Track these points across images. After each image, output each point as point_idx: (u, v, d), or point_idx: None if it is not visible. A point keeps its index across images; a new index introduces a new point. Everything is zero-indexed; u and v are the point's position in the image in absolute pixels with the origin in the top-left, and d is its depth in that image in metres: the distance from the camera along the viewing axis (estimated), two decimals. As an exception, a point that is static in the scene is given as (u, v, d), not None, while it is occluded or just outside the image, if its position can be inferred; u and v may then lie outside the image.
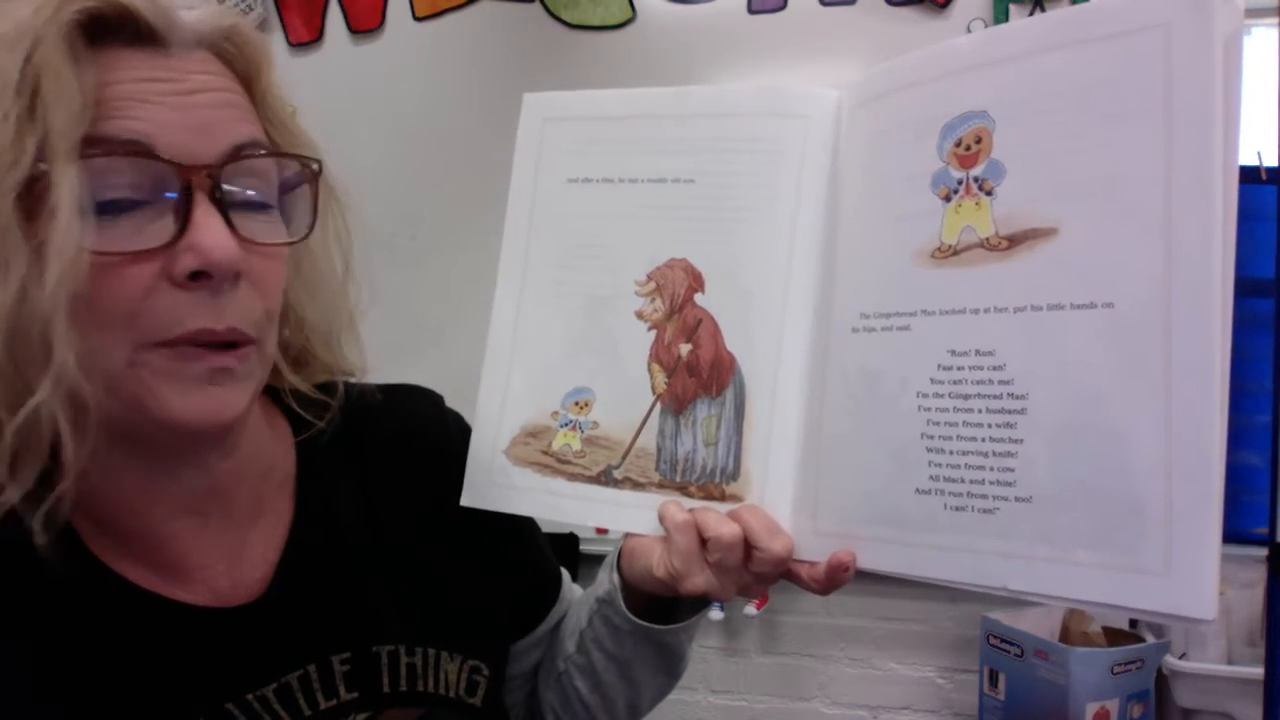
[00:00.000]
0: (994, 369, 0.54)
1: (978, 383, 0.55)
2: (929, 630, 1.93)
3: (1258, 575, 1.77)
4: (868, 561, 0.58)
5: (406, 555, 0.65)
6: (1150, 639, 1.81)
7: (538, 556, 0.77)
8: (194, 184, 0.49)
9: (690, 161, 0.66)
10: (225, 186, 0.50)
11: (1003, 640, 1.75)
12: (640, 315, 0.66)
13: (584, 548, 1.85)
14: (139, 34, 0.49)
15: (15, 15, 0.47)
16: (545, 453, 0.66)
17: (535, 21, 2.12)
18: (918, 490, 0.56)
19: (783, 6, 2.03)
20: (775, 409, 0.62)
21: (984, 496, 0.54)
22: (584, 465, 0.65)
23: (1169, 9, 0.50)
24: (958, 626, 1.92)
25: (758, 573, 0.61)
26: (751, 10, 2.04)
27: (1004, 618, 1.77)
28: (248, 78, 0.54)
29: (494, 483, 0.67)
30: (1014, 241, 0.55)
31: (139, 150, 0.47)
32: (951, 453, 0.55)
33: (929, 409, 0.56)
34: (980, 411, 0.54)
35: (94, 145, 0.47)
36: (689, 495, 0.64)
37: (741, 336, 0.63)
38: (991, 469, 0.54)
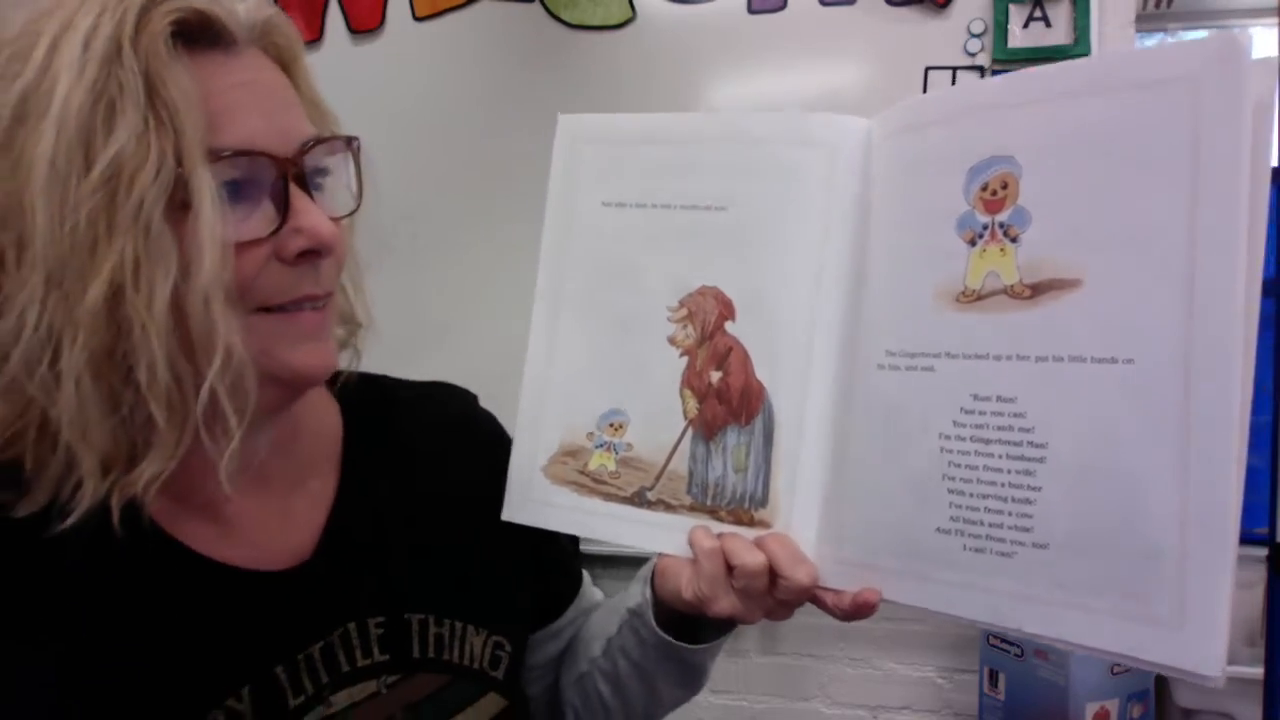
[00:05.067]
0: (1015, 415, 0.55)
1: (999, 428, 0.55)
2: (929, 630, 1.94)
3: (1258, 575, 1.77)
4: (888, 593, 0.61)
5: (438, 533, 0.69)
6: (1150, 639, 1.81)
7: (558, 553, 0.80)
8: (287, 175, 0.55)
9: (722, 188, 0.67)
10: (306, 173, 0.56)
11: (1003, 640, 1.75)
12: (672, 341, 0.67)
13: (584, 548, 1.85)
14: (217, 37, 0.54)
15: (90, 27, 0.49)
16: (582, 472, 0.69)
17: (535, 21, 2.12)
18: (938, 529, 0.58)
19: (783, 6, 2.03)
20: (803, 439, 0.63)
21: (1002, 540, 0.55)
22: (619, 486, 0.68)
23: (1200, 62, 0.50)
24: (958, 627, 1.92)
25: (782, 599, 0.63)
26: (751, 10, 2.04)
27: (1004, 618, 1.77)
28: (286, 65, 0.60)
29: (532, 499, 0.70)
30: (1037, 290, 0.55)
31: (248, 151, 0.53)
32: (971, 495, 0.56)
33: (951, 450, 0.57)
34: (1001, 457, 0.55)
35: (214, 148, 0.52)
36: (719, 519, 0.66)
37: (770, 366, 0.64)
38: (1010, 514, 0.55)
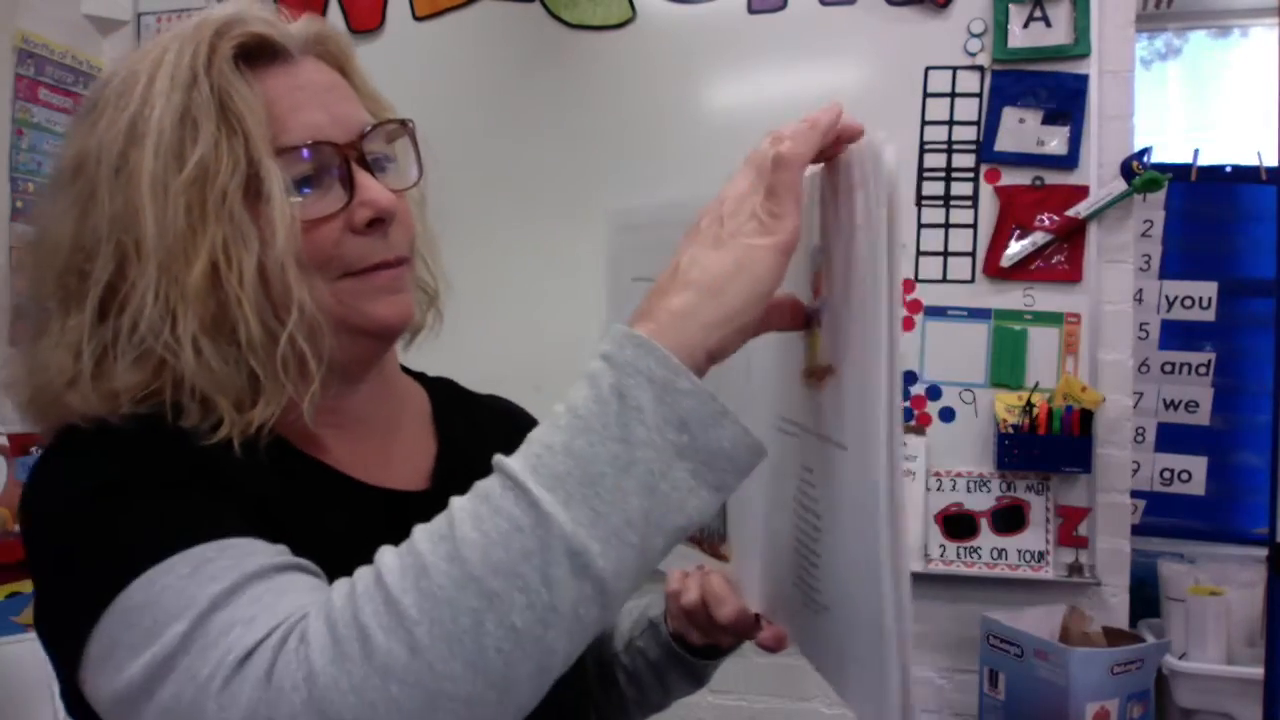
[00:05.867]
0: (810, 486, 0.60)
1: (809, 498, 0.60)
2: (929, 630, 1.93)
3: (1258, 575, 1.77)
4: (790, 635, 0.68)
5: None
6: (1150, 639, 1.81)
7: None
8: (349, 159, 0.65)
9: None
10: (367, 156, 0.66)
11: (1002, 640, 1.75)
12: None
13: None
14: (275, 54, 0.65)
15: (173, 61, 0.62)
16: None
17: (535, 21, 2.12)
18: (793, 583, 0.64)
19: (783, 6, 2.03)
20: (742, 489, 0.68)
21: (814, 599, 0.61)
22: None
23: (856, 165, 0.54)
24: (958, 626, 1.92)
25: (726, 630, 0.75)
26: (751, 10, 2.04)
27: (1004, 618, 1.77)
28: (341, 67, 0.70)
29: None
30: (818, 375, 0.58)
31: (313, 142, 0.64)
32: (805, 555, 0.61)
33: (798, 513, 0.62)
34: (810, 525, 0.60)
35: (282, 144, 0.63)
36: (701, 549, 0.76)
37: None
38: (815, 576, 0.60)
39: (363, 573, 0.48)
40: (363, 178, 0.65)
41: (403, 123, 0.71)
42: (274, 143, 0.62)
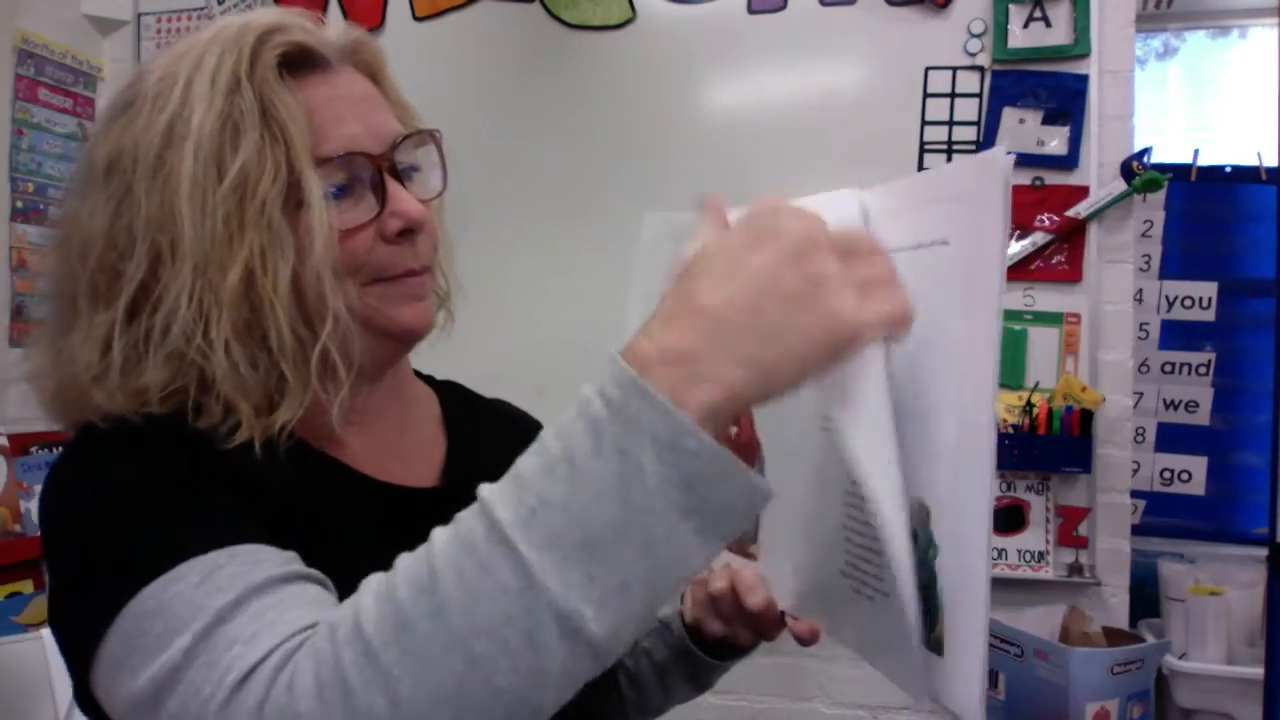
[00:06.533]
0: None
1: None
2: (929, 630, 1.94)
3: (1258, 575, 1.77)
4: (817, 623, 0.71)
5: None
6: (1150, 639, 1.81)
7: None
8: (382, 169, 0.66)
9: None
10: (396, 166, 0.67)
11: (1003, 640, 1.75)
12: None
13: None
14: (315, 62, 0.66)
15: (214, 65, 0.62)
16: None
17: (535, 21, 2.12)
18: (840, 572, 0.65)
19: (783, 6, 2.03)
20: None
21: (871, 586, 0.62)
22: None
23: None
24: (958, 626, 1.92)
25: (753, 621, 0.76)
26: (751, 10, 2.04)
27: (1004, 618, 1.77)
28: (374, 76, 0.72)
29: None
30: None
31: (349, 153, 0.65)
32: (858, 545, 0.62)
33: (849, 504, 0.62)
34: (865, 516, 0.60)
35: (321, 154, 0.64)
36: (728, 549, 0.74)
37: (762, 424, 0.71)
38: (873, 564, 0.60)
39: (345, 614, 0.47)
40: (394, 188, 0.66)
41: (431, 133, 0.72)
42: (314, 152, 0.63)
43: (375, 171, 0.66)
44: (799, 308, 0.46)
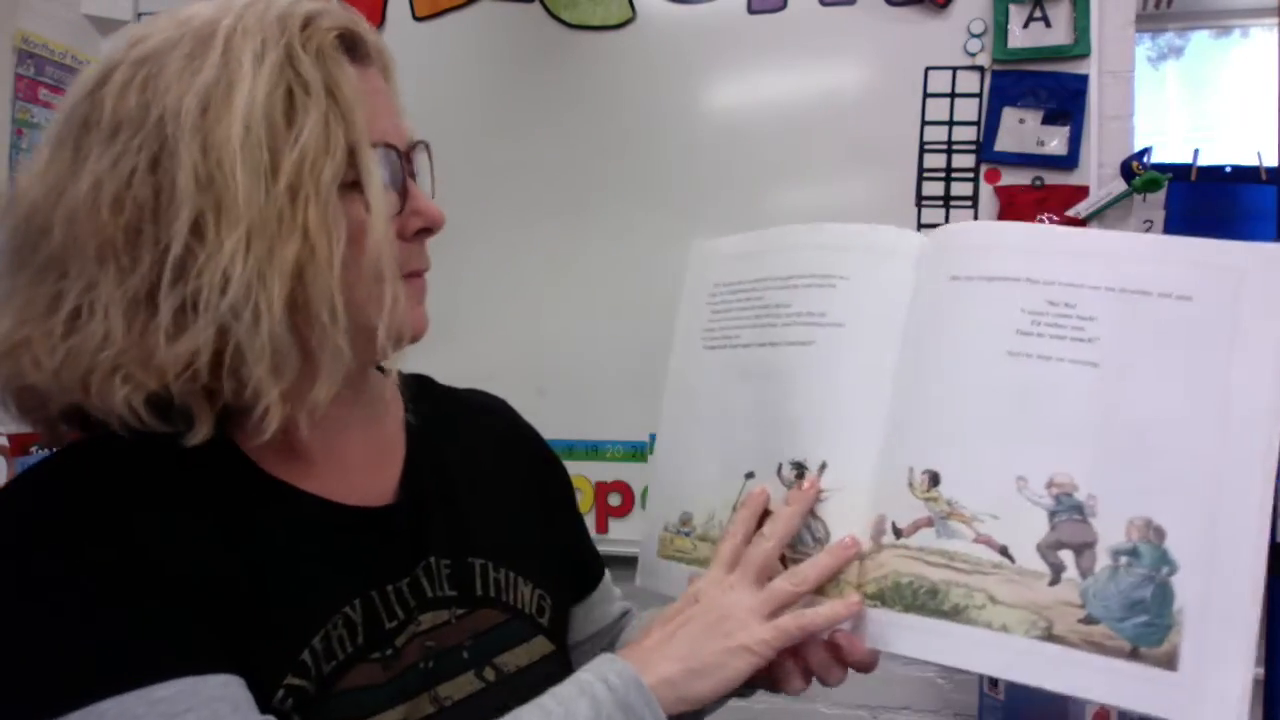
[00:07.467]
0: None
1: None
2: (929, 630, 1.93)
3: (1258, 575, 1.77)
4: (915, 650, 0.67)
5: (491, 498, 0.79)
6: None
7: (585, 533, 0.92)
8: (404, 168, 0.67)
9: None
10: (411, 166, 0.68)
11: (1003, 640, 1.75)
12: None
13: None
14: (360, 52, 0.66)
15: (257, 30, 0.60)
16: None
17: (535, 21, 2.12)
18: None
19: (783, 6, 2.03)
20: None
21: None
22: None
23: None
24: (958, 626, 1.92)
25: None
26: (751, 10, 2.04)
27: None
28: (387, 79, 0.71)
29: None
30: None
31: (389, 145, 0.65)
32: None
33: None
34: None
35: (374, 139, 0.63)
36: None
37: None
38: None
39: None
40: (414, 188, 0.68)
41: (425, 143, 0.73)
42: (368, 137, 0.62)
43: (401, 169, 0.66)
44: (715, 643, 0.66)
